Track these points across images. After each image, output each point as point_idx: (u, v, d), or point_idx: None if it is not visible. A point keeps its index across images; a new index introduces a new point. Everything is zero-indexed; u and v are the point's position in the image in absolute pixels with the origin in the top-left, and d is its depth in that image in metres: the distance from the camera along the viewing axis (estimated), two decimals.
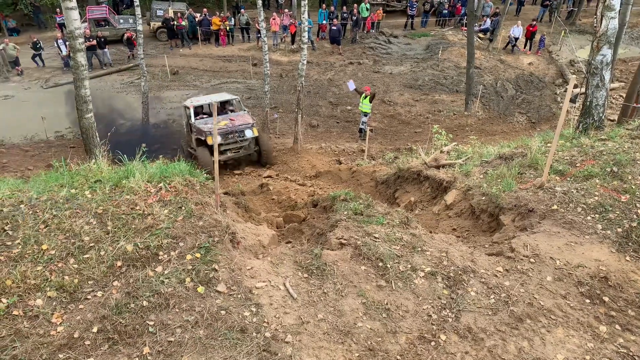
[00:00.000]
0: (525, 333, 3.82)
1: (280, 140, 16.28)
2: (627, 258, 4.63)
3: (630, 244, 4.77)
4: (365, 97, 15.48)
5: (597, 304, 4.15)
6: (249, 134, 13.00)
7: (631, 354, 3.64)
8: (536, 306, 4.09)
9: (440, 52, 23.17)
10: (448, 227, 6.42)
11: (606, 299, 4.19)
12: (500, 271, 4.54)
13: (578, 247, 4.78)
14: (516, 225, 5.55)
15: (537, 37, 23.49)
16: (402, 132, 17.51)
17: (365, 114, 15.80)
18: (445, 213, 7.09)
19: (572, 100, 16.31)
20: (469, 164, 7.87)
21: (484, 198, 6.28)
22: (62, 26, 21.62)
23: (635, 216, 5.03)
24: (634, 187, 5.60)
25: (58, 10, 23.07)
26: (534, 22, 22.69)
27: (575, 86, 18.31)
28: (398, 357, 3.58)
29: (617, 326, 3.93)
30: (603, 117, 6.83)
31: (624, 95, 14.54)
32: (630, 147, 6.35)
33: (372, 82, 21.02)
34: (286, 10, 26.00)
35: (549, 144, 6.94)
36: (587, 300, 4.19)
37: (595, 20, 6.50)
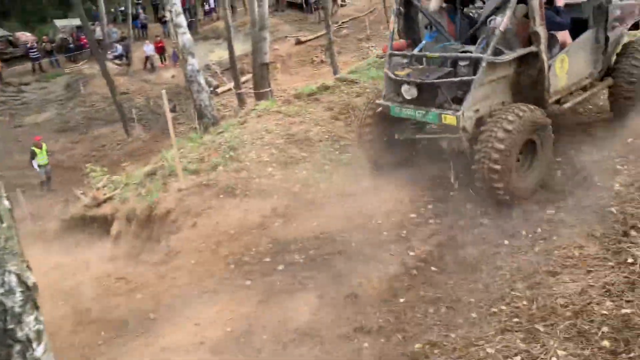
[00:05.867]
0: None
1: None
2: None
3: None
4: (40, 147, 14.74)
5: None
6: None
7: None
8: None
9: (82, 88, 22.43)
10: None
11: None
12: None
13: None
14: (170, 230, 6.21)
15: (170, 50, 25.04)
16: (69, 179, 16.53)
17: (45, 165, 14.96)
18: (117, 243, 7.31)
19: (173, 110, 18.44)
20: (125, 190, 8.19)
21: (139, 214, 6.75)
22: None
23: None
24: (248, 163, 6.92)
25: None
26: (159, 38, 24.11)
27: (170, 100, 20.75)
28: None
29: None
30: (214, 114, 8.07)
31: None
32: (240, 132, 7.74)
33: (18, 138, 19.02)
34: None
35: (181, 149, 7.81)
36: None
37: (172, 37, 7.55)
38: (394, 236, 5.55)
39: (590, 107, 7.90)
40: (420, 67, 6.22)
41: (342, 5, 31.16)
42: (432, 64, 6.24)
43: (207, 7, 30.57)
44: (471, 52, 5.79)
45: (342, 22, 28.99)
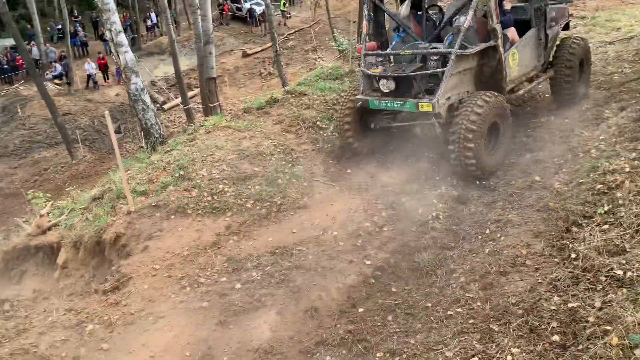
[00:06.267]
0: None
1: None
2: None
3: None
4: None
5: None
6: None
7: None
8: None
9: (20, 110, 21.42)
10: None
11: None
12: None
13: None
14: (120, 255, 6.00)
15: (113, 67, 24.36)
16: (9, 207, 15.73)
17: None
18: (65, 272, 6.99)
19: (118, 131, 18.18)
20: (72, 216, 7.86)
21: (87, 240, 6.50)
22: None
23: None
24: (199, 181, 6.79)
25: None
26: (101, 55, 23.43)
27: (116, 119, 20.40)
28: None
29: None
30: (162, 132, 7.90)
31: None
32: (189, 149, 7.59)
33: None
34: None
35: (129, 170, 7.58)
36: None
37: (114, 56, 7.36)
38: (350, 246, 5.58)
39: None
40: (392, 64, 7.05)
41: (287, 18, 31.35)
42: (402, 61, 7.07)
43: (149, 23, 29.96)
44: (438, 48, 6.70)
45: (288, 34, 29.17)
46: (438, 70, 6.47)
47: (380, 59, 7.08)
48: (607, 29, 12.45)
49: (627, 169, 4.95)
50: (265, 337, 4.40)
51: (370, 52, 7.27)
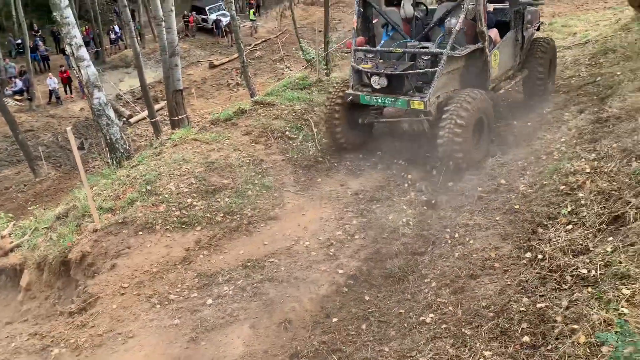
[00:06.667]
0: None
1: None
2: None
3: None
4: None
5: None
6: None
7: None
8: None
9: None
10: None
11: None
12: None
13: None
14: (87, 275, 5.83)
15: (75, 82, 23.83)
16: None
17: None
18: (29, 295, 6.75)
19: (81, 147, 17.89)
20: (35, 236, 7.61)
21: (52, 261, 6.29)
22: None
23: None
24: (166, 196, 6.68)
25: None
26: (63, 68, 22.93)
27: (81, 134, 20.11)
28: None
29: None
30: (128, 147, 7.74)
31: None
32: (156, 163, 7.46)
33: None
34: None
35: (94, 187, 7.39)
36: None
37: (75, 70, 7.20)
38: (323, 256, 5.57)
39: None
40: (382, 61, 7.24)
41: (255, 27, 31.32)
42: (391, 58, 7.30)
43: (112, 36, 29.45)
44: (428, 48, 7.00)
45: (255, 45, 29.12)
46: (429, 69, 6.78)
47: (371, 55, 7.36)
48: (563, 34, 12.88)
49: (588, 170, 5.09)
50: (239, 352, 4.34)
51: (360, 47, 7.49)
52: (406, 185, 6.81)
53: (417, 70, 6.88)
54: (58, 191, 16.49)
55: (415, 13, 7.63)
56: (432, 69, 6.74)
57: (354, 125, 7.80)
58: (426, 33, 7.42)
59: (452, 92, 7.01)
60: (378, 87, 6.98)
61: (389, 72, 6.84)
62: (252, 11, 32.01)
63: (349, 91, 7.35)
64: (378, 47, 7.58)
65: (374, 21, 8.03)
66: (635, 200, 4.12)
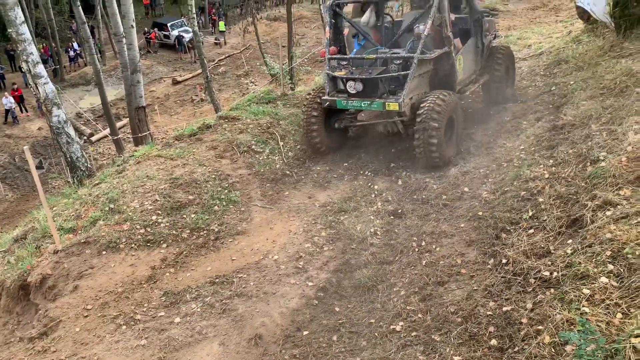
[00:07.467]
0: None
1: None
2: None
3: None
4: None
5: None
6: None
7: None
8: None
9: None
10: None
11: None
12: None
13: None
14: (48, 298, 5.61)
15: (33, 100, 23.16)
16: None
17: None
18: None
19: (39, 167, 17.44)
20: None
21: (9, 285, 6.04)
22: None
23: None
24: (130, 214, 6.52)
25: None
26: (15, 86, 22.32)
27: (40, 154, 19.64)
28: None
29: None
30: (89, 165, 7.54)
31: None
32: (119, 181, 7.29)
33: None
34: None
35: (54, 207, 7.16)
36: None
37: (32, 89, 6.99)
38: (292, 269, 5.54)
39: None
40: (355, 68, 7.67)
41: (216, 44, 31.25)
42: (364, 65, 7.69)
43: (71, 53, 28.78)
44: (400, 53, 7.44)
45: (219, 60, 29.03)
46: (401, 73, 7.16)
47: (345, 63, 7.77)
48: (519, 46, 13.34)
49: (547, 176, 5.27)
50: None
51: (334, 56, 7.90)
52: (373, 195, 6.87)
53: (391, 74, 7.24)
54: (15, 213, 15.93)
55: (385, 24, 8.18)
56: (404, 72, 7.12)
57: (330, 130, 8.22)
58: (395, 40, 7.97)
59: (423, 94, 7.42)
60: (354, 91, 7.33)
61: (364, 77, 7.27)
62: (222, 23, 32.04)
63: (326, 97, 7.71)
64: (351, 55, 8.02)
65: (345, 32, 8.44)
66: (592, 203, 4.28)
